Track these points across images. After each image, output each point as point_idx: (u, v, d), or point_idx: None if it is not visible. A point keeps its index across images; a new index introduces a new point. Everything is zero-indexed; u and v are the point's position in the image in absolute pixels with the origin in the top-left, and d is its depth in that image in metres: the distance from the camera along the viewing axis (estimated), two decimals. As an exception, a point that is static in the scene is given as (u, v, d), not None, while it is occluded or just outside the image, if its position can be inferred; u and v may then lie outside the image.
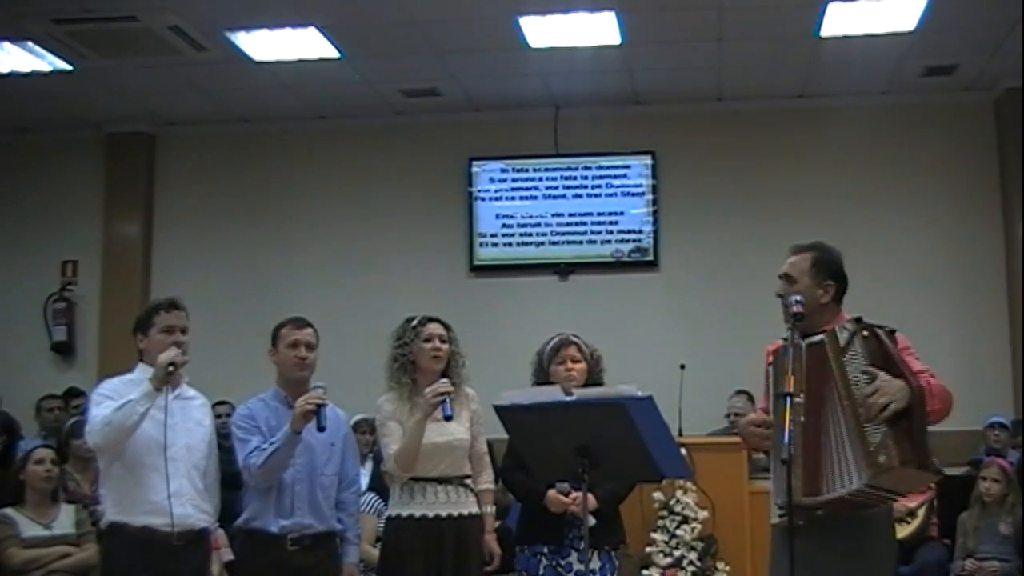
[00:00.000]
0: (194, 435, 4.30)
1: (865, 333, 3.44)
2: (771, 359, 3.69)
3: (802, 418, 3.41)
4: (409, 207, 9.37)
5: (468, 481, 4.65)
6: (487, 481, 4.75)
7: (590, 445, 3.67)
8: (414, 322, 4.69)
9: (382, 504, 5.90)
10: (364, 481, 6.69)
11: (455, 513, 4.54)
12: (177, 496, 4.13)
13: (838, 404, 3.43)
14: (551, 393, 3.90)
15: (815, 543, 3.46)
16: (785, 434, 3.35)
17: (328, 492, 4.51)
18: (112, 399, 4.10)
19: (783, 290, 3.70)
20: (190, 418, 4.30)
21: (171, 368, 4.09)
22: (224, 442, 8.12)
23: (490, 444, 4.88)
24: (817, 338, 3.54)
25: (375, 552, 5.67)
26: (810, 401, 3.46)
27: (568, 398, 3.83)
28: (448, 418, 4.47)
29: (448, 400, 4.46)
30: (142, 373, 4.22)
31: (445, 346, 4.64)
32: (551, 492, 4.62)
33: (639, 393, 3.61)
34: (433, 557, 4.46)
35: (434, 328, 4.66)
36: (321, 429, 4.35)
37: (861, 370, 3.40)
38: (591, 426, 3.65)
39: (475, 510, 4.62)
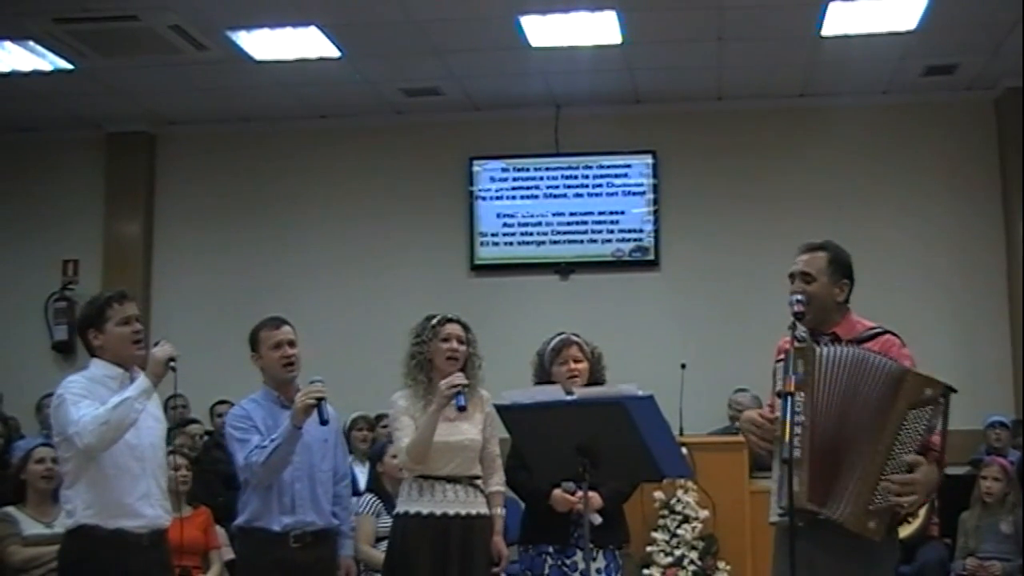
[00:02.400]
0: (155, 433, 4.19)
1: (941, 400, 3.41)
2: (781, 356, 3.61)
3: (802, 418, 3.40)
4: (409, 207, 9.36)
5: (478, 481, 4.64)
6: (498, 483, 4.73)
7: (591, 444, 3.66)
8: (434, 321, 4.68)
9: (381, 505, 5.90)
10: (362, 481, 6.66)
11: (463, 512, 4.53)
12: (147, 498, 4.07)
13: (875, 444, 3.40)
14: (552, 392, 3.88)
15: (815, 543, 3.45)
16: (795, 436, 3.34)
17: (327, 488, 4.53)
18: (88, 398, 3.99)
19: (799, 288, 3.67)
20: (150, 415, 4.16)
21: (172, 364, 4.01)
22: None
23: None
24: (894, 367, 3.46)
25: (375, 553, 5.66)
26: (844, 409, 3.43)
27: (569, 397, 3.83)
28: (462, 408, 4.45)
29: (463, 393, 4.46)
30: (101, 369, 4.12)
31: (462, 347, 4.64)
32: (556, 491, 4.60)
33: (640, 392, 3.60)
34: (439, 555, 4.46)
35: (453, 329, 4.65)
36: (324, 422, 4.35)
37: (909, 448, 3.39)
38: (592, 425, 3.64)
39: (484, 510, 4.61)
